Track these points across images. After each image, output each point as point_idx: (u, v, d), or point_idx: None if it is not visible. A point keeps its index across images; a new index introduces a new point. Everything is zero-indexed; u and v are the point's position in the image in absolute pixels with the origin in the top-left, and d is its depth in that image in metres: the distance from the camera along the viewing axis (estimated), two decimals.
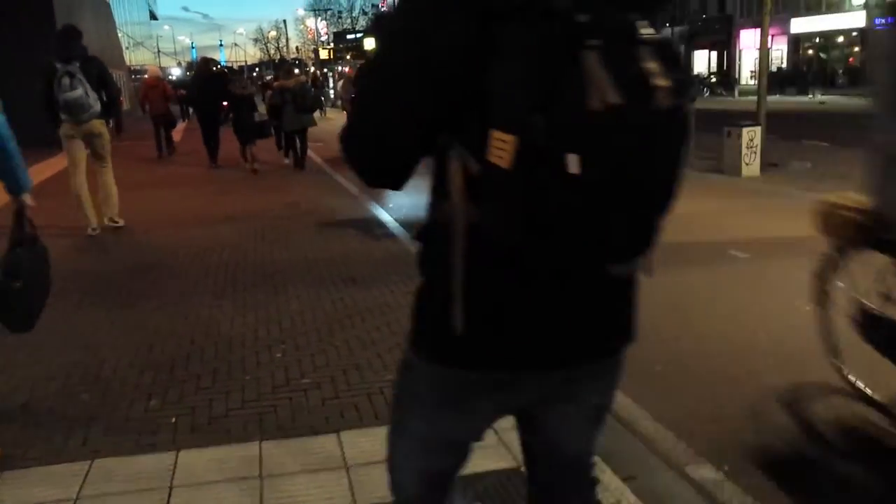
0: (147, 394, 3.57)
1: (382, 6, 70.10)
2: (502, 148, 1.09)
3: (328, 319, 4.61)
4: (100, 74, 7.32)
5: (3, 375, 3.87)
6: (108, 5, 30.86)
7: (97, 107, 7.14)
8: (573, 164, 1.06)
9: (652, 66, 1.12)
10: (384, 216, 8.03)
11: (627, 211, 1.17)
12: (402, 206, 8.78)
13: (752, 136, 10.60)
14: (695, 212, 8.19)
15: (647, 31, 1.14)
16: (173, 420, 3.29)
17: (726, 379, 3.79)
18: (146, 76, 18.33)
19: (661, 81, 1.12)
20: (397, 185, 1.27)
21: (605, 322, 1.36)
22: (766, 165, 10.82)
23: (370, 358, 3.95)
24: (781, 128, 15.22)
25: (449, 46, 1.13)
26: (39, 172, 12.81)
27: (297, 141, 12.91)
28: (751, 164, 10.58)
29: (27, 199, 3.23)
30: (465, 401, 1.37)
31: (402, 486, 1.58)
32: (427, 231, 1.33)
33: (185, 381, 3.71)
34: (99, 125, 7.22)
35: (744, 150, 10.58)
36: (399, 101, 1.18)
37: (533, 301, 1.25)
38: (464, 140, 1.18)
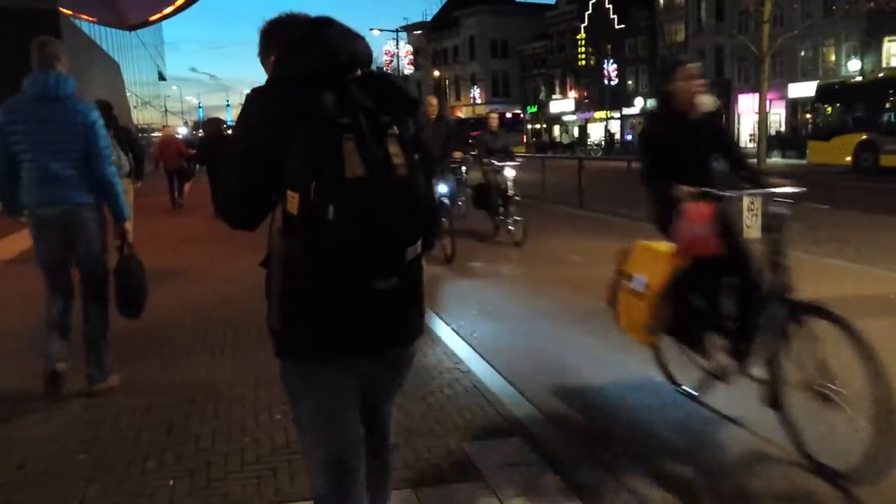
0: (145, 455, 3.51)
1: (387, 68, 71.49)
2: (292, 201, 1.76)
3: None
4: (129, 140, 8.89)
5: (1, 435, 3.82)
6: (118, 66, 31.53)
7: (127, 167, 7.95)
8: (330, 212, 1.70)
9: (394, 150, 1.80)
10: None
11: (379, 243, 1.77)
12: None
13: (752, 199, 10.67)
14: None
15: (393, 129, 1.83)
16: (171, 483, 3.23)
17: (736, 444, 3.73)
18: (161, 135, 19.73)
19: (398, 160, 1.80)
20: (249, 227, 1.96)
21: (393, 322, 1.92)
22: (766, 227, 10.87)
23: None
24: None
25: (268, 141, 1.79)
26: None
27: None
28: (752, 227, 10.61)
29: (128, 224, 4.50)
30: (336, 386, 1.94)
31: (316, 474, 2.00)
32: (266, 260, 1.95)
33: (183, 443, 3.66)
34: (127, 183, 7.87)
35: (745, 213, 10.61)
36: (241, 174, 1.88)
37: (331, 307, 1.82)
38: (279, 198, 1.83)
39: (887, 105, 22.89)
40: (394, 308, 1.91)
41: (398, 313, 1.94)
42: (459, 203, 11.86)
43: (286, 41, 1.90)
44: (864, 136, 22.85)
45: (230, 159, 1.90)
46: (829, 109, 25.65)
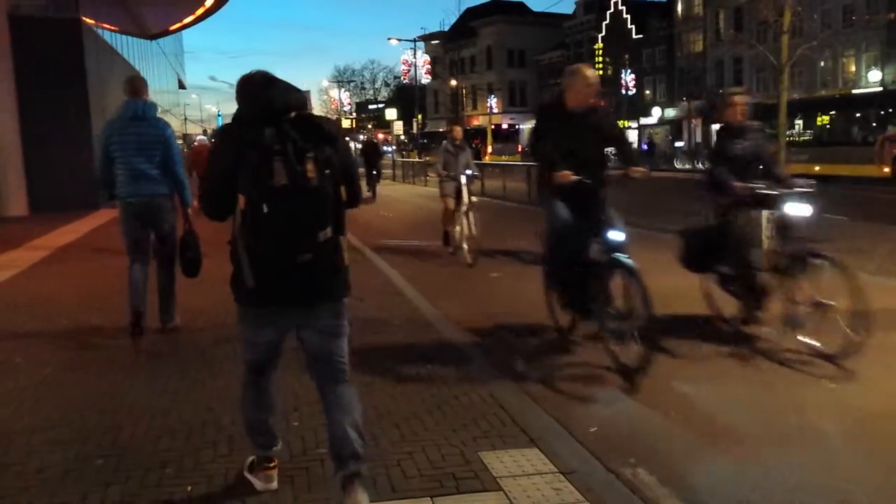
0: (163, 461, 3.54)
1: (405, 79, 71.81)
2: (242, 202, 2.73)
3: None
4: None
5: (20, 439, 3.86)
6: (138, 73, 31.89)
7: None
8: (265, 209, 2.66)
9: (310, 167, 2.71)
10: (401, 283, 8.05)
11: (297, 230, 2.73)
12: (419, 274, 8.81)
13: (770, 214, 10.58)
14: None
15: (310, 153, 2.73)
16: (189, 489, 3.25)
17: (749, 457, 3.70)
18: (195, 144, 19.92)
19: (312, 174, 2.71)
20: (221, 219, 2.89)
21: (312, 283, 2.85)
22: None
23: (386, 428, 3.91)
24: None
25: (228, 162, 2.75)
26: (79, 228, 13.02)
27: None
28: (770, 238, 10.53)
29: (190, 210, 5.92)
30: (263, 322, 2.98)
31: (245, 364, 3.20)
32: (231, 240, 2.89)
33: (201, 449, 3.68)
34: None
35: (764, 224, 10.55)
36: (214, 182, 2.86)
37: (268, 272, 2.79)
38: (236, 200, 2.77)
39: (793, 125, 27.10)
40: (312, 274, 2.83)
41: (316, 278, 2.85)
42: None
43: (245, 93, 2.86)
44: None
45: (208, 172, 2.93)
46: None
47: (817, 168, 25.05)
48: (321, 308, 2.97)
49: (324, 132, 2.83)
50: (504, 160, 37.10)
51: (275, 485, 3.23)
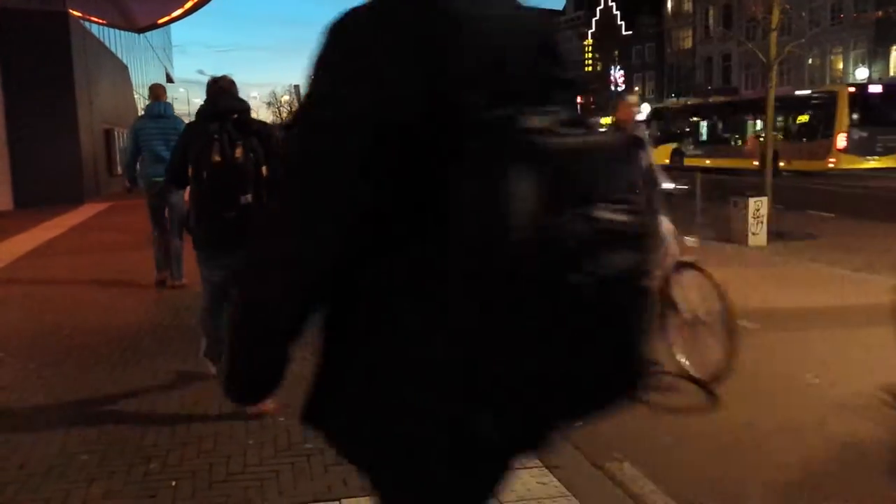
0: (147, 456, 3.52)
1: None
2: (191, 171, 4.05)
3: None
4: None
5: (2, 435, 3.83)
6: (126, 68, 31.65)
7: None
8: (204, 176, 3.98)
9: (238, 151, 3.97)
10: None
11: (224, 192, 3.94)
12: None
13: (758, 206, 10.65)
14: None
15: (240, 141, 3.99)
16: (173, 483, 3.24)
17: (734, 452, 3.72)
18: None
19: (238, 155, 3.97)
20: (181, 185, 4.52)
21: (235, 235, 3.85)
22: (772, 235, 10.85)
23: None
24: (787, 198, 15.30)
25: (182, 144, 4.28)
26: (64, 223, 12.95)
27: None
28: (757, 234, 10.61)
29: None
30: (211, 264, 4.12)
31: (203, 300, 4.31)
32: (189, 200, 4.24)
33: (186, 444, 3.66)
34: None
35: (750, 220, 10.62)
36: (174, 158, 4.40)
37: (206, 224, 4.03)
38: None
39: (688, 126, 32.70)
40: (235, 227, 3.88)
41: (238, 230, 3.84)
42: None
43: (207, 94, 4.31)
44: (675, 146, 32.13)
45: (172, 152, 4.40)
46: (658, 124, 33.98)
47: (708, 162, 28.78)
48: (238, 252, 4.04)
49: (253, 129, 4.09)
50: None
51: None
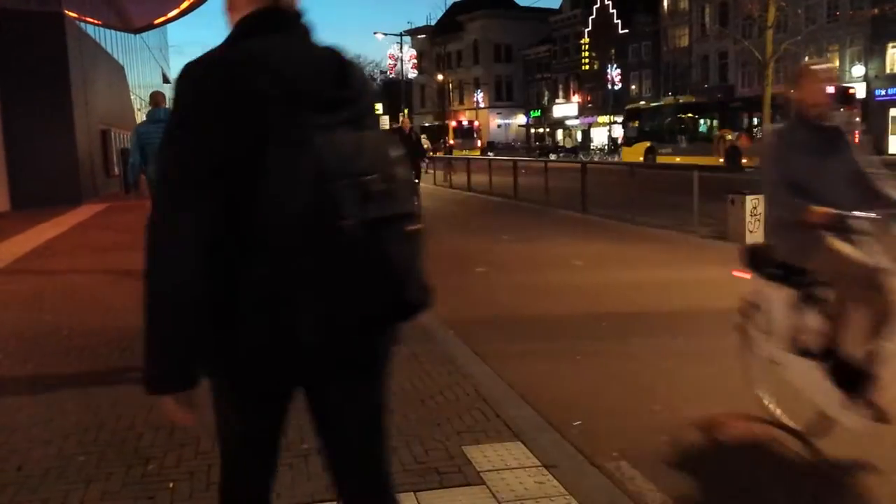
0: (145, 458, 3.52)
1: (391, 73, 71.70)
2: None
3: None
4: None
5: (0, 436, 3.83)
6: (122, 69, 31.60)
7: None
8: None
9: None
10: None
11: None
12: None
13: (755, 203, 10.66)
14: (699, 278, 8.19)
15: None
16: (171, 485, 3.23)
17: (734, 449, 3.73)
18: None
19: None
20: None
21: None
22: (769, 233, 10.85)
23: None
24: None
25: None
26: (62, 223, 12.93)
27: None
28: (755, 232, 10.61)
29: None
30: None
31: None
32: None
33: (184, 445, 3.66)
34: None
35: (748, 218, 10.63)
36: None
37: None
38: None
39: (660, 125, 35.53)
40: None
41: None
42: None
43: None
44: (648, 144, 35.29)
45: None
46: (632, 125, 37.60)
47: (678, 159, 31.42)
48: None
49: None
50: (465, 153, 42.83)
51: None
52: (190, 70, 1.65)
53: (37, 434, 3.84)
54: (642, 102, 47.02)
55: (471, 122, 57.74)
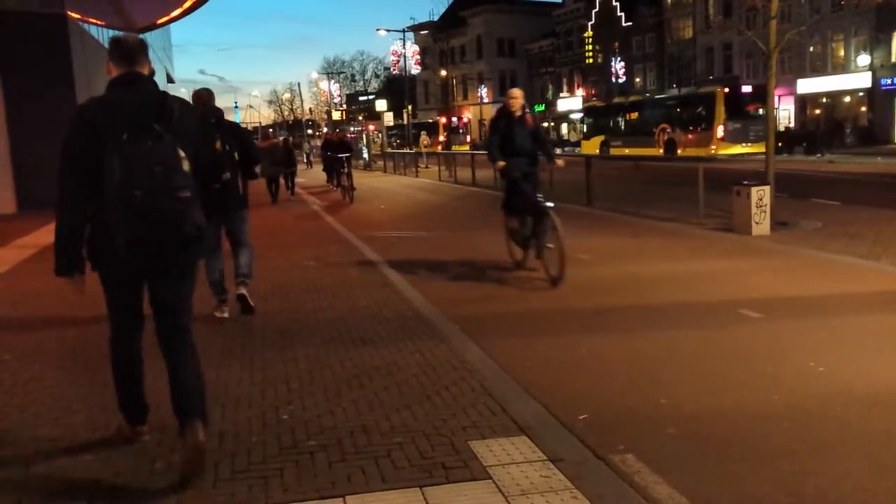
0: (152, 456, 3.53)
1: (394, 70, 71.62)
2: None
3: (336, 379, 4.58)
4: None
5: (8, 437, 3.85)
6: None
7: None
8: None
9: (217, 143, 5.89)
10: (393, 275, 8.04)
11: (212, 174, 5.60)
12: (412, 266, 8.81)
13: (761, 195, 10.62)
14: (704, 270, 8.17)
15: (218, 136, 5.95)
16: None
17: (740, 442, 3.72)
18: None
19: (218, 145, 5.90)
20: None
21: None
22: (775, 224, 10.82)
23: (378, 419, 3.90)
24: (791, 187, 15.27)
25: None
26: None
27: (274, 183, 19.67)
28: (761, 223, 10.58)
29: None
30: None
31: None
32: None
33: None
34: None
35: (753, 209, 10.59)
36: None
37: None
38: None
39: (612, 121, 40.41)
40: (219, 195, 5.65)
41: (222, 197, 5.78)
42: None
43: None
44: (603, 137, 40.07)
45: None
46: (590, 120, 43.22)
47: (627, 151, 35.54)
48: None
49: (226, 128, 6.13)
50: (455, 149, 48.30)
51: None
52: (75, 109, 3.30)
53: (44, 434, 3.86)
54: (595, 100, 53.05)
55: (459, 120, 61.03)
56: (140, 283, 3.42)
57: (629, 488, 3.15)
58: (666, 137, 34.84)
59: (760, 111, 28.68)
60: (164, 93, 3.36)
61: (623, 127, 39.39)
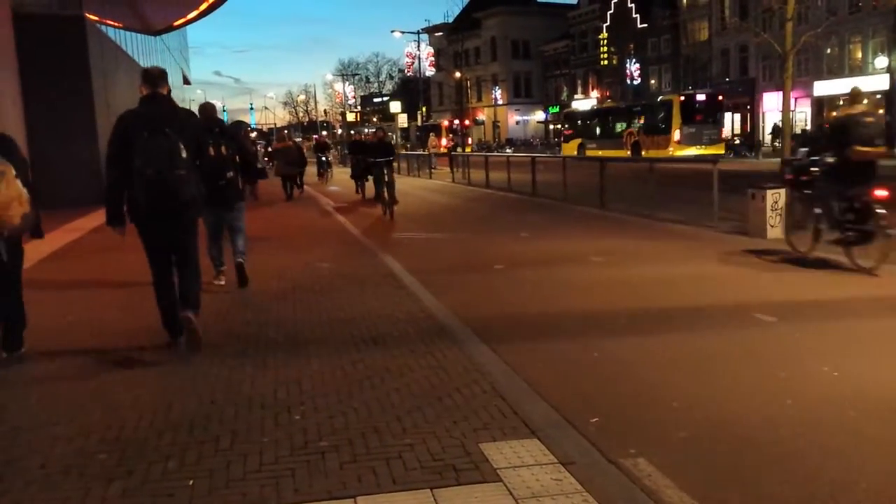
0: (165, 455, 3.56)
1: (409, 72, 71.72)
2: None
3: (348, 380, 4.60)
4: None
5: (24, 435, 3.89)
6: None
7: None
8: (206, 163, 5.72)
9: (222, 147, 7.26)
10: (405, 277, 8.06)
11: (217, 174, 7.00)
12: (424, 267, 8.82)
13: (776, 198, 10.55)
14: (718, 273, 8.14)
15: (222, 141, 7.22)
16: (190, 482, 3.27)
17: (753, 446, 3.70)
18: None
19: (223, 149, 7.25)
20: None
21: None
22: (790, 227, 10.73)
23: (389, 421, 3.91)
24: None
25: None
26: (83, 225, 13.05)
27: (288, 181, 20.43)
28: (775, 226, 10.51)
29: None
30: (207, 210, 6.59)
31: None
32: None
33: (203, 443, 3.70)
34: None
35: (768, 212, 10.52)
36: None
37: (209, 193, 5.79)
38: None
39: (587, 124, 44.13)
40: (223, 191, 7.23)
41: (225, 193, 7.33)
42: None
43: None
44: (580, 140, 43.41)
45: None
46: (568, 125, 46.75)
47: (600, 153, 35.98)
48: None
49: (229, 134, 7.28)
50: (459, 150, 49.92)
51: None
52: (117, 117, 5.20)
53: (59, 432, 3.89)
54: (574, 105, 59.09)
55: (461, 123, 62.26)
56: (163, 237, 5.27)
57: (640, 492, 3.15)
58: (632, 140, 38.61)
59: (711, 118, 35.75)
60: (175, 106, 5.42)
61: (597, 131, 43.01)
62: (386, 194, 15.18)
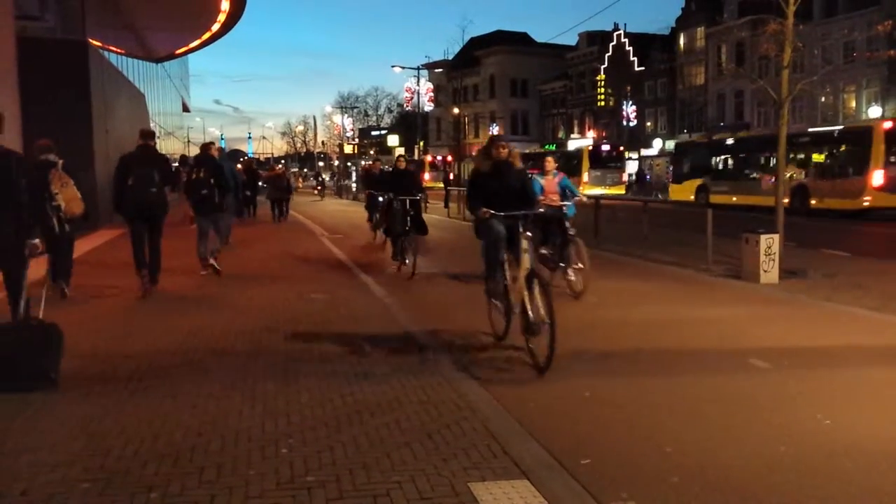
0: (149, 486, 3.49)
1: (408, 106, 72.27)
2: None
3: (337, 414, 4.55)
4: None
5: (7, 461, 3.82)
6: (143, 97, 32.04)
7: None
8: (192, 182, 10.73)
9: (202, 172, 10.78)
10: (398, 311, 8.02)
11: (199, 189, 10.66)
12: (418, 302, 8.79)
13: (770, 243, 10.58)
14: (712, 317, 8.12)
15: (203, 168, 10.86)
16: None
17: (745, 494, 3.66)
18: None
19: (203, 173, 10.74)
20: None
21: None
22: (784, 273, 10.76)
23: (378, 457, 3.86)
24: (800, 236, 15.22)
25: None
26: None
27: (276, 206, 23.03)
28: (769, 272, 10.52)
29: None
30: (197, 216, 10.71)
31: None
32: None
33: (188, 474, 3.64)
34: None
35: (762, 258, 10.54)
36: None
37: (195, 203, 10.60)
38: None
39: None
40: (205, 201, 10.54)
41: (207, 203, 10.56)
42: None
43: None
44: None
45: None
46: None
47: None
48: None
49: (209, 163, 10.61)
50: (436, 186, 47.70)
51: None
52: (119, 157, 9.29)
53: (43, 458, 3.83)
54: (533, 147, 61.54)
55: (444, 159, 64.10)
56: (142, 230, 8.83)
57: None
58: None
59: (613, 164, 43.42)
60: (156, 152, 9.55)
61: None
62: (407, 247, 11.65)
